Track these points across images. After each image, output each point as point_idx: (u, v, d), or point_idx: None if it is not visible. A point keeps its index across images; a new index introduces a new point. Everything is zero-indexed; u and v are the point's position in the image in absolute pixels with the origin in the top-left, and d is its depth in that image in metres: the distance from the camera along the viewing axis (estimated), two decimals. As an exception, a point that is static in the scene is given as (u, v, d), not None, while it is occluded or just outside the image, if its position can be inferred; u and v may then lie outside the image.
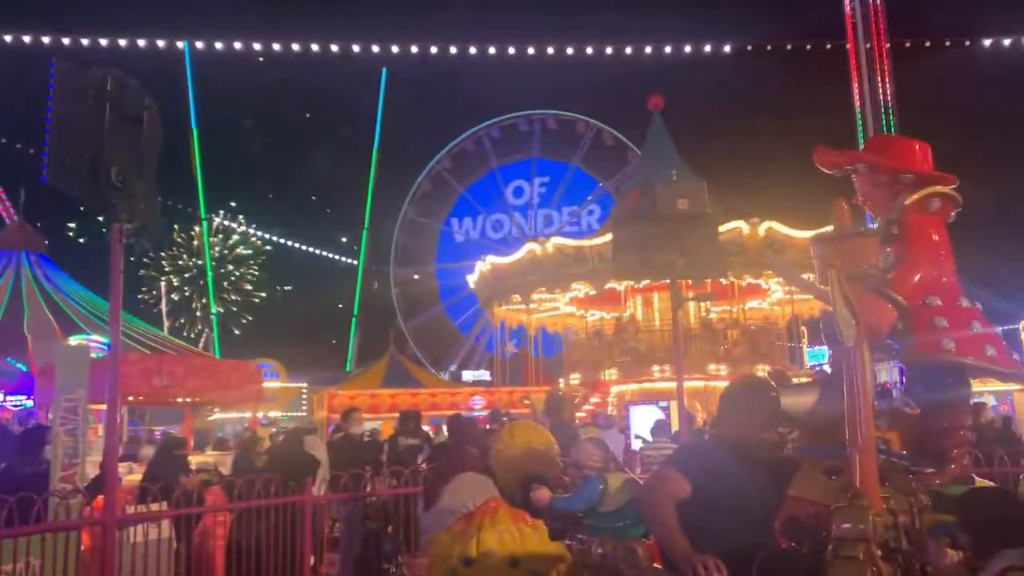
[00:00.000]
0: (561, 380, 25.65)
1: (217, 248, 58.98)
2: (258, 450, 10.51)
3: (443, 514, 4.26)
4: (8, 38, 25.99)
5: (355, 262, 56.27)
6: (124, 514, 6.25)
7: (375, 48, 33.92)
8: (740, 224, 19.95)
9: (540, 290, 22.94)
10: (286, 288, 66.27)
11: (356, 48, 33.68)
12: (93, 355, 8.67)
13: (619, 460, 4.93)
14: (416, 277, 52.99)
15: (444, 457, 5.26)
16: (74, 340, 16.93)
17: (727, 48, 32.11)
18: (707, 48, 32.64)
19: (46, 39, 25.23)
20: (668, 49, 32.52)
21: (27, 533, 5.27)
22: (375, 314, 54.17)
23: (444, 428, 16.82)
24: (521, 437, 5.48)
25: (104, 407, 8.91)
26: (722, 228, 17.07)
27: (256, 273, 61.42)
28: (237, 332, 58.65)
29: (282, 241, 58.34)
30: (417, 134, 57.80)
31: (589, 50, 33.24)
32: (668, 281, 9.72)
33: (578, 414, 19.83)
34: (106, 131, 6.46)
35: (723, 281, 20.35)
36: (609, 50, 33.13)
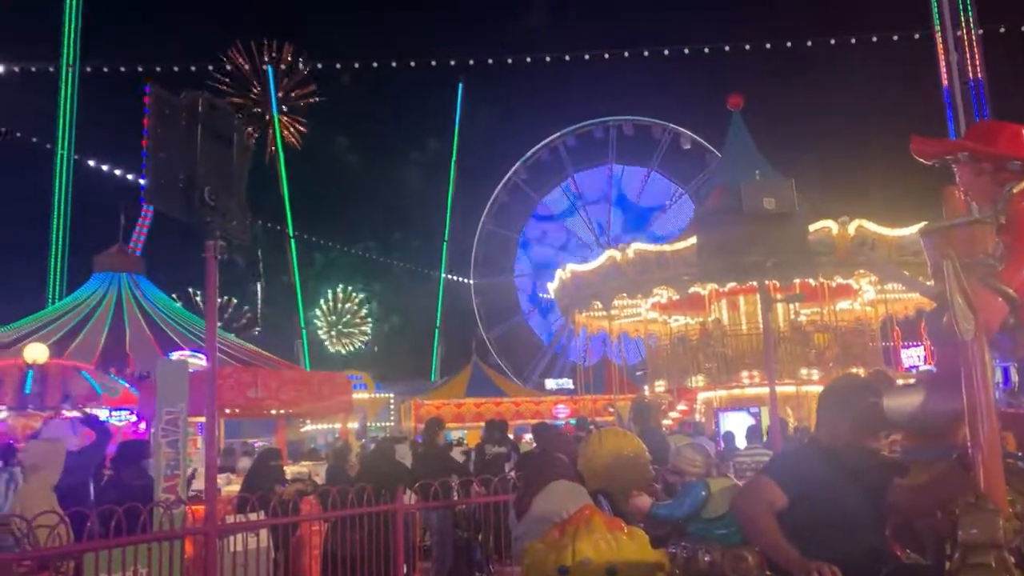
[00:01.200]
0: (646, 387, 25.32)
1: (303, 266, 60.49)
2: (350, 460, 10.69)
3: (535, 522, 4.20)
4: (105, 69, 27.32)
5: (436, 274, 57.02)
6: (224, 524, 6.42)
7: (451, 61, 34.27)
8: (829, 223, 19.31)
9: (621, 296, 22.67)
10: (370, 303, 67.51)
11: (433, 62, 34.10)
12: (191, 369, 8.96)
13: (721, 465, 4.79)
14: (495, 285, 53.26)
15: (534, 464, 5.20)
16: (174, 355, 17.60)
17: (808, 43, 31.20)
18: (788, 44, 31.78)
19: (139, 68, 26.41)
20: (747, 47, 31.78)
21: (134, 542, 5.45)
22: (457, 325, 54.78)
23: (529, 436, 16.86)
24: (611, 444, 5.37)
25: (203, 420, 9.21)
26: (811, 228, 16.62)
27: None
28: (337, 350, 59.82)
29: (364, 254, 59.50)
30: (494, 145, 58.32)
31: (666, 51, 32.79)
32: (755, 283, 9.44)
33: (664, 422, 19.53)
34: (198, 152, 6.68)
35: (812, 282, 19.75)
36: (686, 50, 32.60)
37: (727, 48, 31.98)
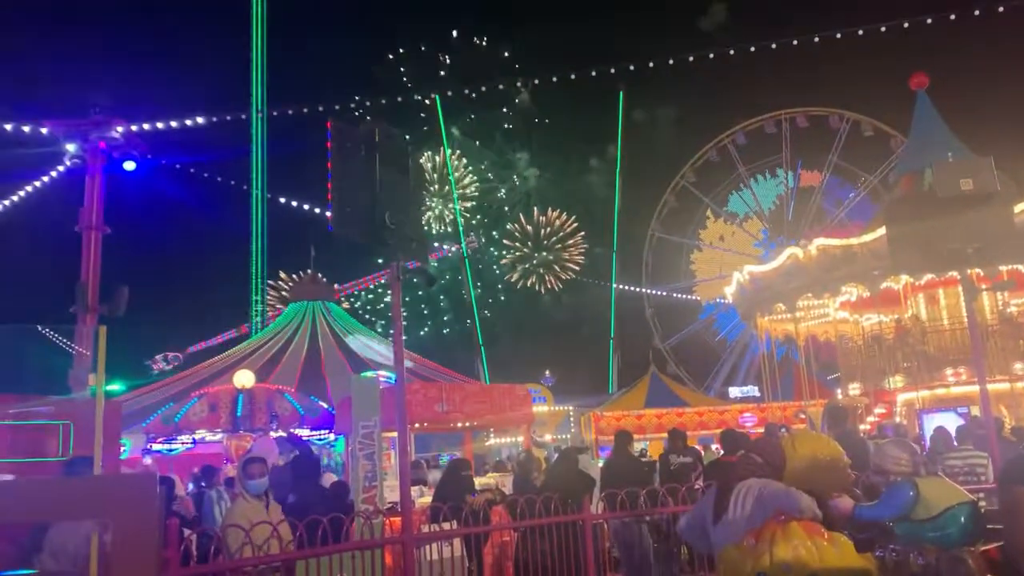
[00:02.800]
0: (839, 391, 23.93)
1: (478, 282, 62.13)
2: (535, 470, 10.84)
3: (731, 527, 4.06)
4: (290, 111, 29.56)
5: (606, 284, 56.85)
6: (420, 533, 6.67)
7: (611, 69, 34.14)
8: (1039, 200, 17.53)
9: (806, 296, 21.59)
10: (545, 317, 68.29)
11: (593, 73, 34.13)
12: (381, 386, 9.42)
13: (930, 463, 4.42)
14: (669, 295, 52.27)
15: (727, 468, 5.03)
16: (365, 375, 18.60)
17: (1000, 8, 28.50)
18: (975, 12, 29.17)
19: (320, 107, 28.32)
20: (928, 20, 29.47)
21: (340, 550, 5.78)
22: (631, 335, 54.28)
23: (716, 447, 16.38)
24: (805, 448, 5.09)
25: (395, 434, 9.64)
26: (1017, 208, 15.14)
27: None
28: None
29: (535, 269, 60.30)
30: (659, 150, 57.52)
31: (838, 35, 30.99)
32: (956, 274, 8.71)
33: (861, 426, 18.37)
34: (377, 179, 7.03)
35: (1022, 268, 18.00)
36: (860, 32, 30.66)
37: (906, 25, 29.75)
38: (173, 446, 27.71)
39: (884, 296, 20.51)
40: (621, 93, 57.96)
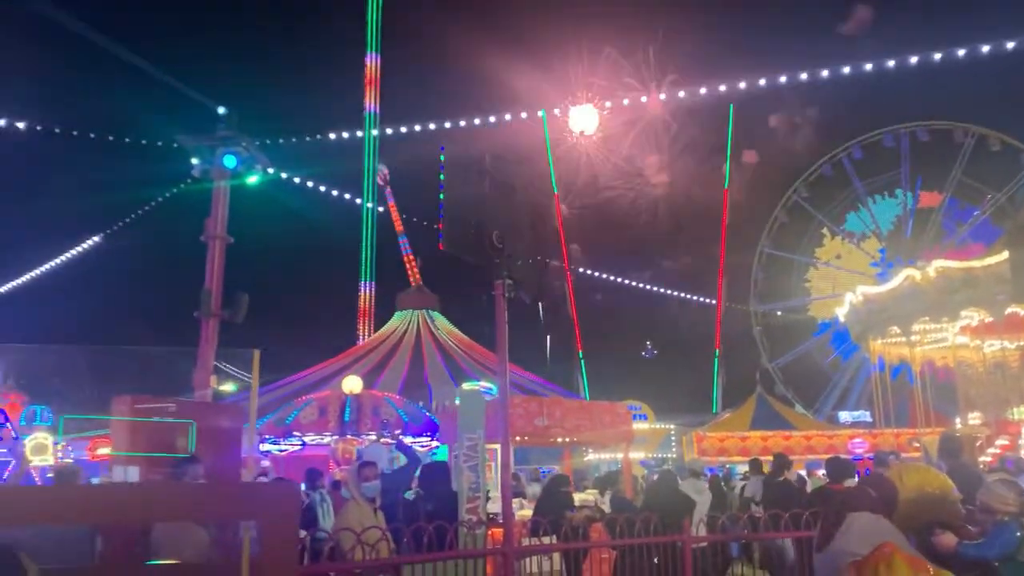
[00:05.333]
0: (957, 420, 22.81)
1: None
2: (621, 486, 10.86)
3: (834, 557, 4.05)
4: (403, 129, 30.49)
5: (713, 301, 55.74)
6: (521, 546, 6.84)
7: (722, 87, 33.70)
8: None
9: (923, 320, 20.74)
10: (648, 334, 67.58)
11: (703, 90, 33.78)
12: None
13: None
14: (779, 313, 50.83)
15: (836, 496, 4.99)
16: (468, 386, 18.92)
17: None
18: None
19: (432, 126, 29.08)
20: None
21: (443, 558, 6.00)
22: (738, 354, 53.02)
23: (822, 472, 15.92)
24: (912, 480, 4.98)
25: (497, 447, 9.85)
26: None
27: None
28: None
29: (635, 284, 59.77)
30: (769, 164, 56.14)
31: (960, 52, 29.75)
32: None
33: (982, 458, 17.48)
34: (486, 200, 7.29)
35: None
36: (984, 48, 29.34)
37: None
38: (282, 447, 28.93)
39: (1008, 321, 19.49)
40: (732, 106, 56.94)
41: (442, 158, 7.27)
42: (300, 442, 26.93)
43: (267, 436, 26.61)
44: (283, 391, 33.78)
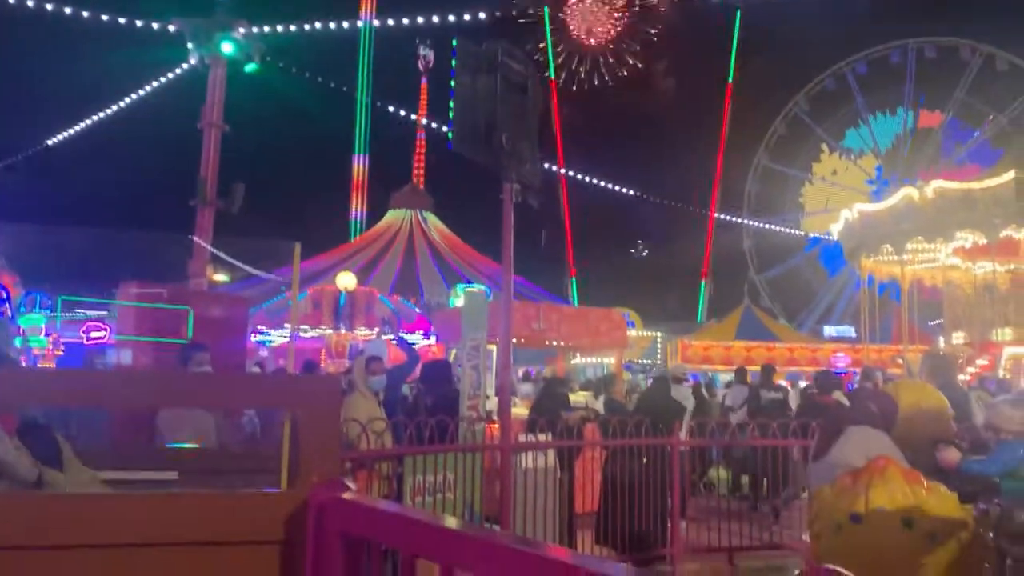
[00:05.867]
0: (941, 339, 23.26)
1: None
2: (618, 390, 11.12)
3: (828, 468, 4.20)
4: (404, 21, 29.62)
5: (706, 211, 55.63)
6: (517, 442, 7.05)
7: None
8: None
9: (916, 240, 20.82)
10: (637, 240, 67.72)
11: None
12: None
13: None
14: (770, 227, 50.89)
15: (836, 410, 5.14)
16: (471, 288, 19.05)
17: None
18: None
19: (434, 18, 28.27)
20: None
21: (444, 451, 6.19)
22: (727, 266, 53.35)
23: (802, 383, 16.28)
24: (908, 397, 5.11)
25: (494, 348, 10.01)
26: None
27: None
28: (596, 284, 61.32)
29: (629, 192, 59.48)
30: (772, 73, 55.08)
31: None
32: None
33: (961, 376, 17.91)
34: (497, 100, 7.15)
35: None
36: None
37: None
38: (273, 338, 29.27)
39: (1002, 245, 19.60)
40: (739, 10, 55.41)
41: (453, 53, 7.09)
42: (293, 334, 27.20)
43: (260, 327, 26.92)
44: (276, 282, 33.87)
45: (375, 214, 51.94)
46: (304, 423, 1.94)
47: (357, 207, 53.12)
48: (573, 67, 62.00)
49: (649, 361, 32.92)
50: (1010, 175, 16.47)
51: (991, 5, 47.60)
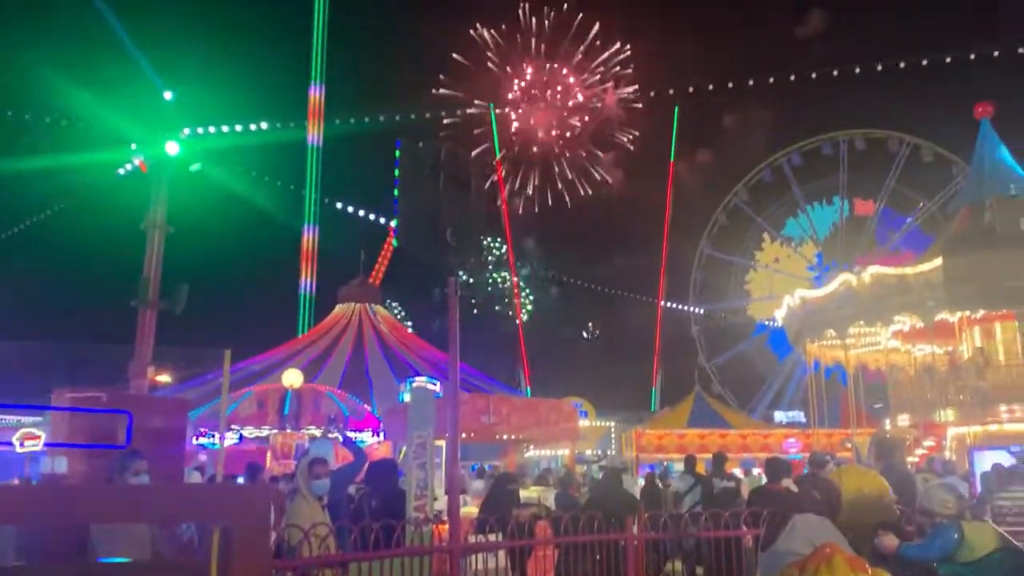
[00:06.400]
0: (887, 421, 23.58)
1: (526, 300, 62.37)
2: (574, 486, 10.96)
3: (777, 556, 4.17)
4: (351, 119, 30.18)
5: (654, 300, 56.53)
6: (467, 543, 6.86)
7: (671, 91, 34.20)
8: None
9: (857, 324, 21.34)
10: (590, 329, 68.31)
11: (652, 93, 34.20)
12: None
13: (977, 506, 4.47)
14: (719, 314, 51.81)
15: (781, 498, 5.13)
16: (418, 382, 18.88)
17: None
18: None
19: (382, 117, 28.90)
20: (996, 53, 29.08)
21: (390, 556, 5.99)
22: (677, 353, 53.93)
23: (757, 471, 16.30)
24: (852, 482, 5.16)
25: (443, 443, 9.85)
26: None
27: None
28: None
29: (581, 283, 60.34)
30: (713, 166, 57.22)
31: (901, 64, 30.76)
32: (1014, 310, 8.67)
33: (909, 459, 18.09)
34: (441, 197, 7.27)
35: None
36: (924, 62, 30.39)
37: (972, 56, 29.38)
38: (217, 440, 28.39)
39: (938, 328, 20.18)
40: (676, 107, 57.83)
41: (397, 154, 7.23)
42: (238, 436, 26.47)
43: (203, 429, 26.12)
44: (220, 383, 33.07)
45: (323, 288, 52.14)
46: (233, 535, 1.88)
47: (306, 279, 52.94)
48: (520, 170, 63.76)
49: (603, 452, 32.68)
50: (938, 261, 17.10)
51: (914, 99, 50.40)
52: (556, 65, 63.76)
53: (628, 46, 63.47)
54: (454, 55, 63.70)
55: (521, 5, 64.27)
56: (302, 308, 52.89)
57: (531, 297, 65.06)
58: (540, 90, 63.47)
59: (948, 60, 29.35)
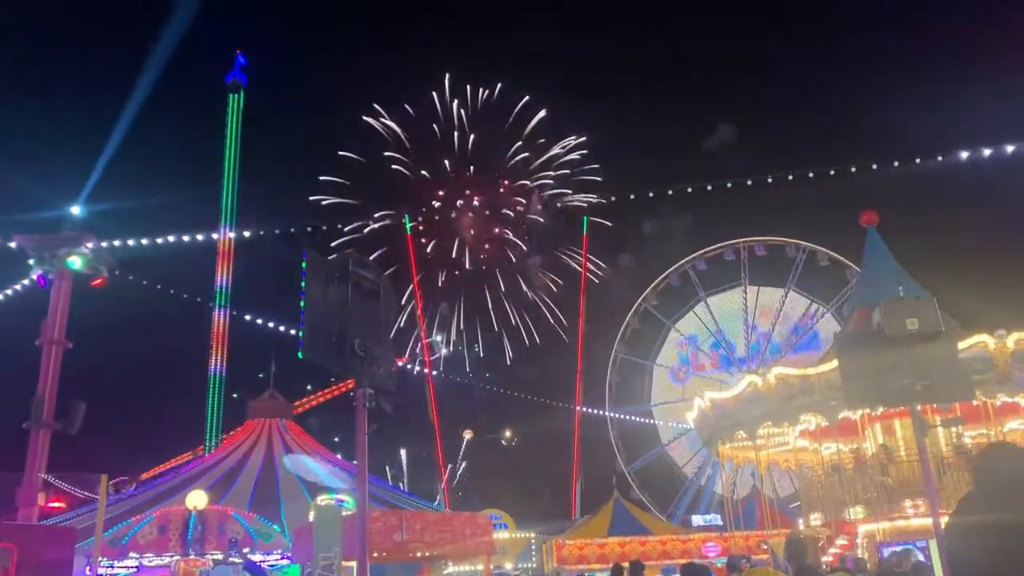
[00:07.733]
0: (800, 521, 23.85)
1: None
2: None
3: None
4: (261, 232, 30.02)
5: (570, 406, 56.64)
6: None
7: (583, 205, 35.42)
8: (984, 338, 18.21)
9: (766, 425, 21.80)
10: (505, 437, 67.74)
11: (559, 205, 35.35)
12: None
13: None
14: (632, 418, 52.21)
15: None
16: (322, 499, 18.23)
17: (939, 158, 30.53)
18: (917, 160, 31.21)
19: (292, 229, 28.85)
20: (875, 166, 31.48)
21: None
22: (595, 458, 53.80)
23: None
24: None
25: (354, 564, 9.44)
26: (962, 344, 15.71)
27: None
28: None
29: (499, 390, 60.12)
30: (622, 274, 58.90)
31: (790, 176, 32.88)
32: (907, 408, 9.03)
33: (824, 558, 18.25)
34: (349, 308, 7.22)
35: (974, 403, 18.46)
36: (811, 174, 32.58)
37: (853, 169, 31.77)
38: (115, 571, 26.44)
39: (842, 426, 20.79)
40: (585, 219, 59.95)
41: (303, 264, 7.18)
42: (137, 563, 24.78)
43: (101, 559, 24.35)
44: (119, 507, 31.17)
45: (234, 369, 50.57)
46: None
47: (217, 361, 51.34)
48: (440, 274, 64.35)
49: (524, 566, 31.86)
50: (835, 362, 17.76)
51: (808, 209, 53.39)
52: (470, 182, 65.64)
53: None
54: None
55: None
56: (211, 393, 51.07)
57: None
58: (461, 202, 64.98)
59: (832, 172, 31.51)
